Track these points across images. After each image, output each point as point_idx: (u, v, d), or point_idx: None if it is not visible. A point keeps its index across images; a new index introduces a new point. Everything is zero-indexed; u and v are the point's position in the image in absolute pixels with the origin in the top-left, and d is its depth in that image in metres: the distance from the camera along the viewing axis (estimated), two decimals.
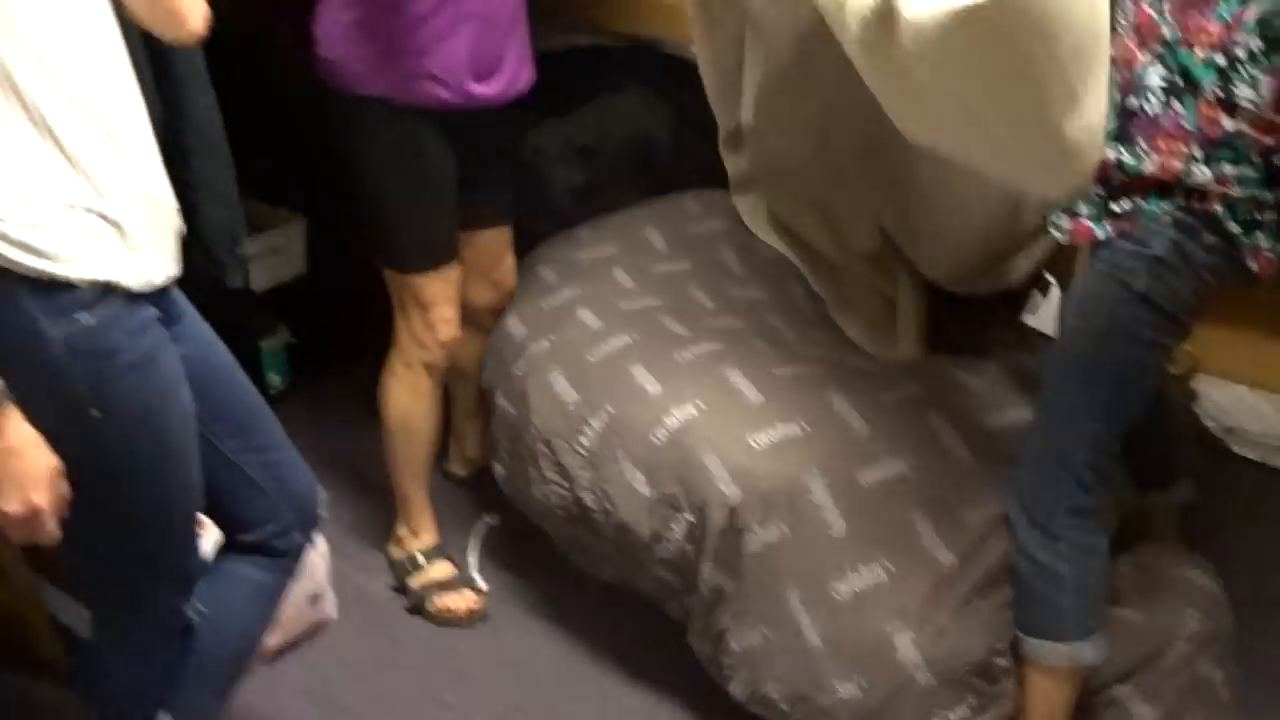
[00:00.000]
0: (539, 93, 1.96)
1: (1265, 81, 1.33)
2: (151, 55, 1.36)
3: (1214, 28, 1.33)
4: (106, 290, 1.13)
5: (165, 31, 1.25)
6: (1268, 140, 1.37)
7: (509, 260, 2.15)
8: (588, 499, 1.82)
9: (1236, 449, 2.46)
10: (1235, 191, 1.39)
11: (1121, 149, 1.44)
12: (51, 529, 1.13)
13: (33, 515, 1.10)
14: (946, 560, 1.58)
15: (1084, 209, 1.50)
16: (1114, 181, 1.46)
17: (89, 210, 1.10)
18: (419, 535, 2.12)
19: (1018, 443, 1.68)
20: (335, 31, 1.74)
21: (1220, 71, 1.34)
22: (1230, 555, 1.96)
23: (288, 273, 2.55)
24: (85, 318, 1.11)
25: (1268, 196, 1.41)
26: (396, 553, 2.13)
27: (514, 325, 2.07)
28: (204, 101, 1.47)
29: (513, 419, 1.98)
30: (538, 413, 1.90)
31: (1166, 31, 1.37)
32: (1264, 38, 1.31)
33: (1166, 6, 1.38)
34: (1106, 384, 1.52)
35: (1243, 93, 1.34)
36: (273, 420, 1.45)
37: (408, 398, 2.00)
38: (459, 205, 1.91)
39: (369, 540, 2.21)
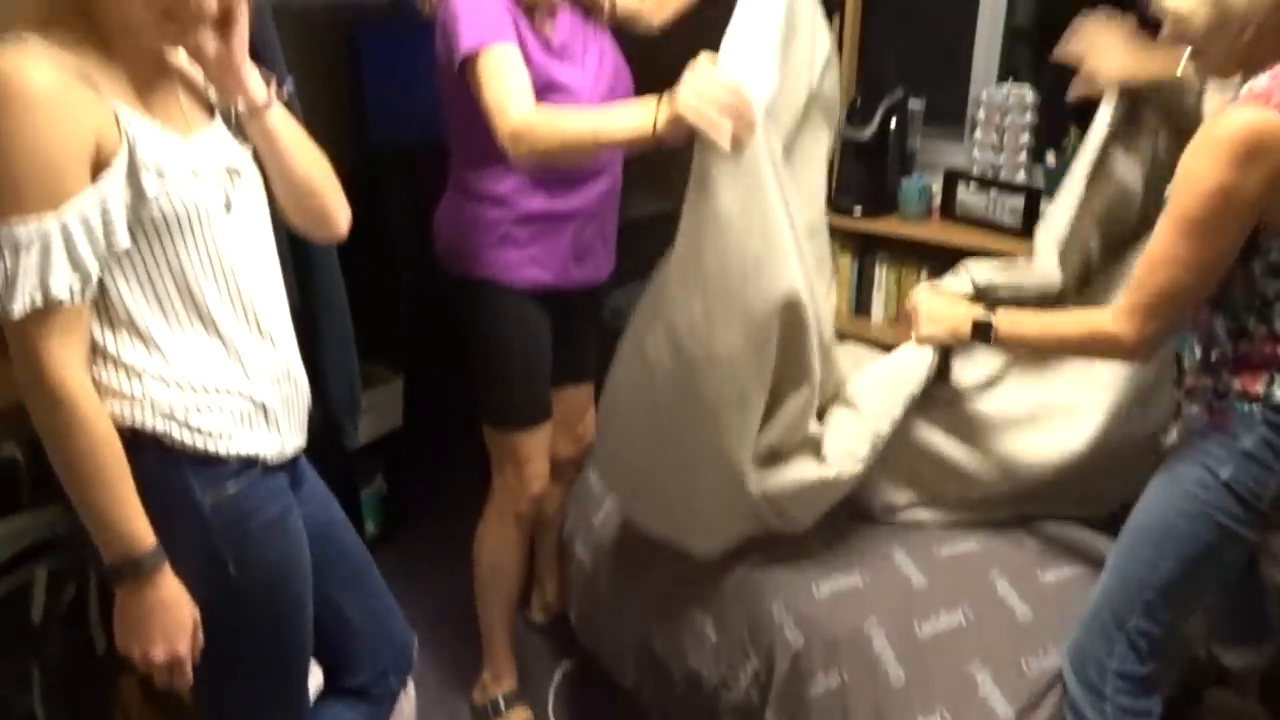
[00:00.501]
0: (621, 258, 2.18)
1: None
2: (291, 244, 1.57)
3: (1240, 289, 1.47)
4: (250, 462, 1.31)
5: (313, 232, 1.47)
6: None
7: (590, 415, 2.32)
8: (658, 646, 1.93)
9: None
10: None
11: (1216, 373, 1.53)
12: (189, 675, 1.28)
13: (176, 662, 1.26)
14: (1004, 712, 1.64)
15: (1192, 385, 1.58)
16: (1207, 395, 1.54)
17: (241, 394, 1.30)
18: (501, 681, 2.24)
19: (1076, 599, 1.74)
20: (453, 223, 1.98)
21: (1258, 315, 1.47)
22: None
23: (386, 427, 2.75)
24: (231, 486, 1.29)
25: None
26: (480, 698, 2.25)
27: (595, 479, 2.23)
28: (335, 287, 1.69)
29: (590, 568, 2.11)
30: (615, 563, 2.03)
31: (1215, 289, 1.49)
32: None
33: None
34: (1173, 561, 1.54)
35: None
36: (375, 571, 1.62)
37: (499, 546, 2.15)
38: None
39: (453, 685, 2.32)
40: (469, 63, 1.73)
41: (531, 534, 2.24)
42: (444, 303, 2.04)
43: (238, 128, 1.36)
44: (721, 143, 1.44)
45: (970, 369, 1.99)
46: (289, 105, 1.39)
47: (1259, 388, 1.48)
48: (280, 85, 1.36)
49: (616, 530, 2.09)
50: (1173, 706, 1.69)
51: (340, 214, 1.45)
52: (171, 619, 1.24)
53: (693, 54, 1.54)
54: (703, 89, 1.46)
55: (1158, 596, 1.56)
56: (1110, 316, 1.53)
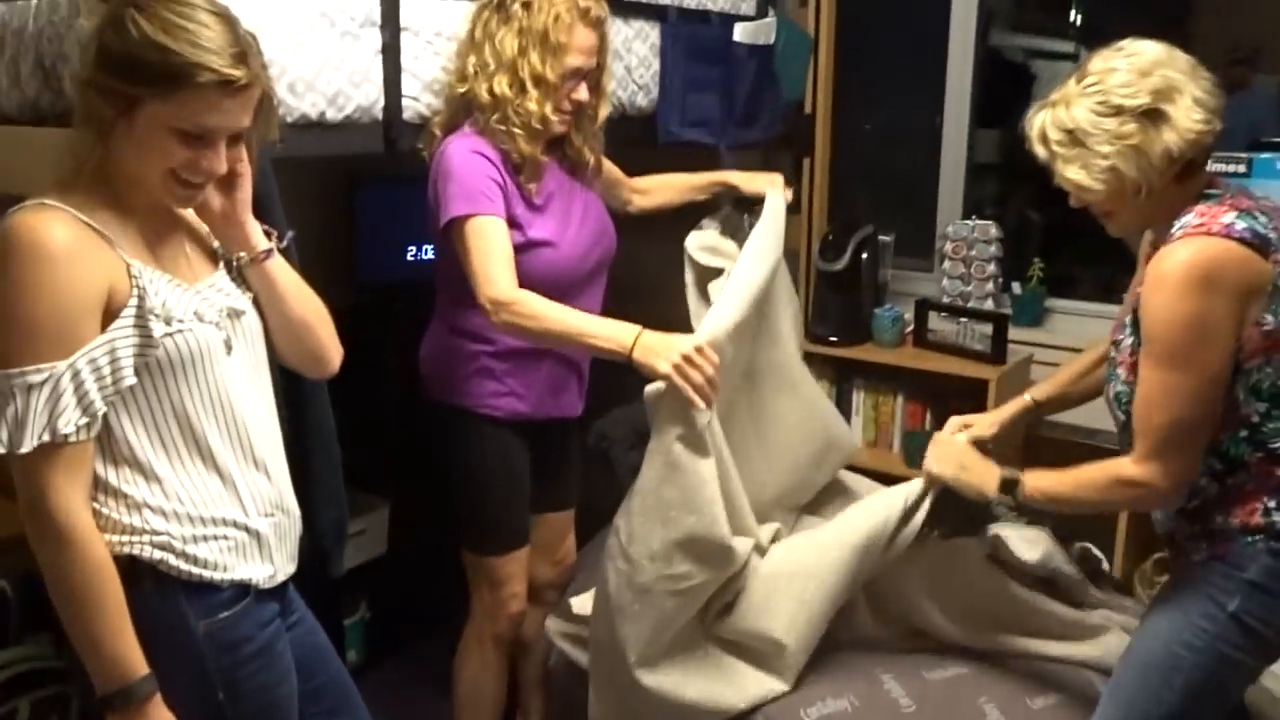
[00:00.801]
0: (605, 385, 2.24)
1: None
2: (285, 379, 1.64)
3: (1225, 418, 1.51)
4: (244, 590, 1.35)
5: (308, 369, 1.55)
6: None
7: (570, 540, 2.36)
8: None
9: None
10: None
11: (1207, 520, 1.56)
12: None
13: None
14: None
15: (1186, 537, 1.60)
16: (1210, 527, 1.57)
17: (237, 525, 1.35)
18: None
19: None
20: (435, 353, 2.06)
21: (1249, 441, 1.52)
22: None
23: (371, 553, 2.77)
24: (225, 613, 1.33)
25: None
26: None
27: (581, 606, 2.25)
28: (326, 421, 1.76)
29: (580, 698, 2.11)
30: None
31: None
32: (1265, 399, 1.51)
33: None
34: (1179, 693, 1.55)
35: (1277, 445, 1.51)
36: (359, 699, 1.63)
37: (478, 669, 2.17)
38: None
39: None
40: (455, 226, 1.85)
41: (512, 659, 2.24)
42: (428, 431, 2.11)
43: (238, 273, 1.44)
44: (695, 403, 1.69)
45: None
46: (286, 252, 1.49)
47: (1257, 519, 1.52)
48: (280, 237, 1.46)
49: None
50: None
51: (333, 352, 1.53)
52: None
53: None
54: (687, 354, 1.69)
55: None
56: (1131, 466, 1.52)
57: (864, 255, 3.05)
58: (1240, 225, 1.45)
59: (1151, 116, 1.46)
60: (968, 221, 3.08)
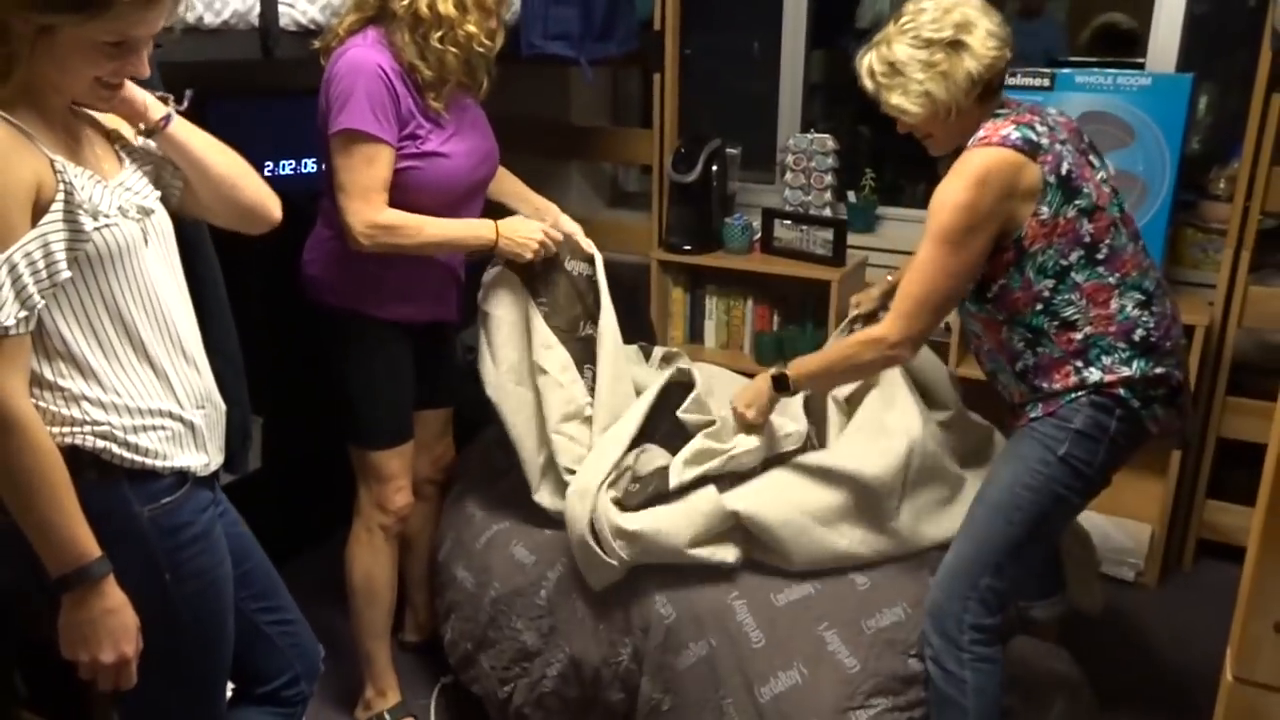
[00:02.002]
0: (472, 299, 2.34)
1: (1079, 296, 1.79)
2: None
3: (1022, 295, 1.81)
4: (183, 477, 1.41)
5: (249, 225, 1.58)
6: (1110, 329, 1.79)
7: (449, 438, 2.49)
8: (539, 644, 2.10)
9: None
10: (1134, 375, 1.77)
11: (1036, 387, 1.84)
12: (134, 677, 1.36)
13: (123, 664, 1.34)
14: (850, 663, 1.90)
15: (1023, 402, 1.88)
16: (1039, 391, 1.84)
17: (172, 415, 1.40)
18: (385, 695, 2.34)
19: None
20: (322, 257, 2.11)
21: (1045, 313, 1.80)
22: (1091, 650, 2.32)
23: (246, 470, 2.78)
24: (166, 499, 1.38)
25: (1148, 374, 1.78)
26: (364, 715, 2.33)
27: (473, 507, 2.37)
28: (226, 323, 1.79)
29: (472, 587, 2.25)
30: (500, 578, 2.19)
31: (1000, 314, 1.84)
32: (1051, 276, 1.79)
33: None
34: (1019, 526, 1.82)
35: (1068, 314, 1.79)
36: (284, 587, 1.72)
37: (370, 560, 2.27)
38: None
39: (334, 707, 2.39)
40: (343, 137, 1.91)
41: (398, 554, 2.35)
42: (300, 348, 2.18)
43: (145, 162, 1.47)
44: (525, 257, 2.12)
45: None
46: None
47: (1072, 379, 1.80)
48: (179, 100, 1.49)
49: (500, 552, 2.24)
50: None
51: (269, 199, 1.57)
52: (118, 623, 1.32)
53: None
54: (521, 230, 2.10)
55: (1005, 558, 1.84)
56: (879, 327, 1.84)
57: (714, 167, 3.23)
58: (1015, 135, 1.74)
59: (955, 46, 1.76)
60: (806, 135, 3.30)
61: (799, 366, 2.00)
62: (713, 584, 2.00)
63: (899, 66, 1.79)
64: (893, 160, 3.55)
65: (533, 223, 2.15)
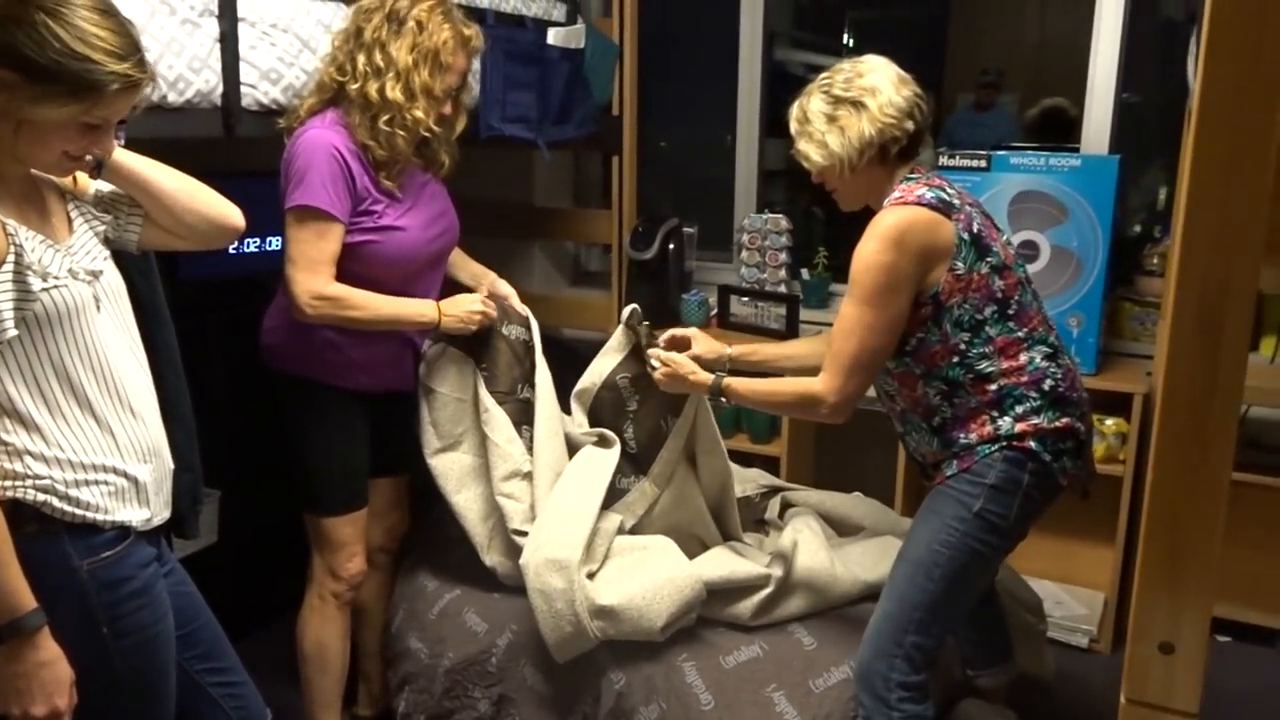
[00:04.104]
0: None
1: (992, 350, 1.86)
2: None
3: (940, 349, 1.86)
4: (124, 532, 1.43)
5: (214, 239, 1.62)
6: (1022, 379, 1.85)
7: (404, 507, 2.50)
8: (493, 712, 2.09)
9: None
10: (1044, 424, 1.83)
11: (951, 440, 1.89)
12: None
13: (55, 717, 1.34)
14: None
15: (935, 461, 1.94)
16: (954, 447, 1.89)
17: (115, 471, 1.42)
18: None
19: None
20: (282, 325, 2.15)
21: (961, 366, 1.86)
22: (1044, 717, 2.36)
23: (203, 543, 2.78)
24: (106, 553, 1.40)
25: (1057, 423, 1.85)
26: None
27: (426, 578, 2.38)
28: (179, 387, 1.83)
29: (425, 657, 2.25)
30: (454, 647, 2.19)
31: (918, 368, 1.88)
32: (966, 330, 1.85)
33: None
34: (939, 582, 1.85)
35: (982, 367, 1.85)
36: (231, 649, 1.72)
37: (321, 627, 2.27)
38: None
39: None
40: (296, 212, 2.00)
41: (350, 624, 2.35)
42: (260, 423, 2.22)
43: (95, 235, 1.51)
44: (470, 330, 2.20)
45: None
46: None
47: (988, 429, 1.86)
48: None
49: (453, 621, 2.25)
50: (936, 717, 2.00)
51: (227, 209, 1.62)
52: (51, 676, 1.33)
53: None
54: (462, 306, 2.18)
55: (928, 614, 1.87)
56: (816, 383, 1.87)
57: (671, 245, 3.32)
58: (929, 195, 1.83)
59: (856, 106, 1.86)
60: (761, 215, 3.41)
61: (739, 385, 2.01)
62: (663, 646, 2.02)
63: (810, 116, 1.90)
64: (845, 240, 3.65)
65: (471, 296, 2.23)
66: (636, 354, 2.28)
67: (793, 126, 1.94)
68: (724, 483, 2.29)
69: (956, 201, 1.85)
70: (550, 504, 2.16)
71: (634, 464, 2.26)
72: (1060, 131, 3.46)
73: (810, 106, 1.90)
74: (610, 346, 2.33)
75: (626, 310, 2.30)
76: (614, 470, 2.22)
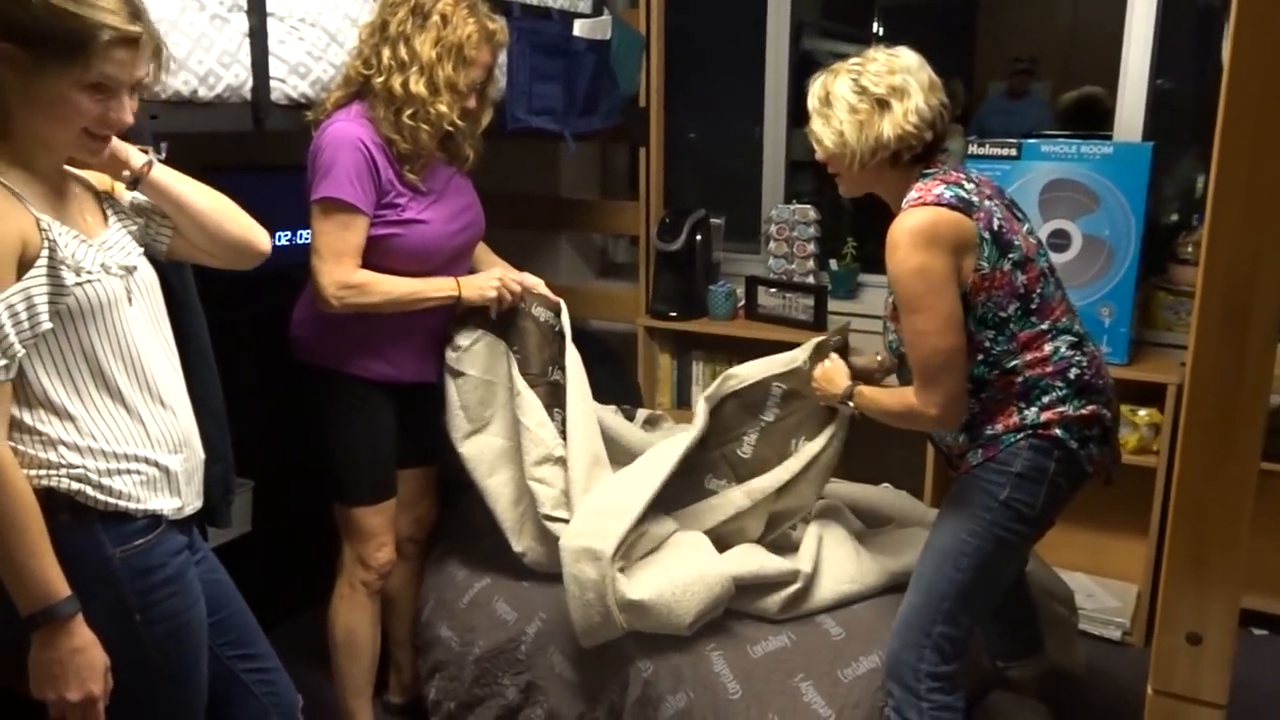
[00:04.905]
0: None
1: (1016, 345, 1.84)
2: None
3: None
4: (156, 520, 1.46)
5: (240, 260, 1.65)
6: (1048, 369, 1.83)
7: (431, 497, 2.52)
8: (521, 700, 2.11)
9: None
10: (1070, 412, 1.82)
11: (978, 434, 1.86)
12: (101, 713, 1.39)
13: (89, 703, 1.37)
14: (825, 713, 1.91)
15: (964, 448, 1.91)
16: (980, 437, 1.87)
17: (146, 460, 1.45)
18: None
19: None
20: (310, 318, 2.17)
21: (986, 364, 1.83)
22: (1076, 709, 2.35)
23: (236, 532, 2.82)
24: (138, 541, 1.43)
25: (1083, 411, 1.84)
26: None
27: (455, 567, 2.41)
28: (210, 378, 1.85)
29: (456, 645, 2.27)
30: (483, 635, 2.21)
31: None
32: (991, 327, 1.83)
33: None
34: (967, 572, 1.84)
35: (1007, 363, 1.83)
36: (263, 636, 1.75)
37: (351, 615, 2.30)
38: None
39: None
40: (321, 205, 2.02)
41: (380, 613, 2.37)
42: (293, 413, 2.25)
43: (131, 221, 1.55)
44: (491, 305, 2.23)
45: None
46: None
47: (1014, 419, 1.84)
48: (156, 149, 1.58)
49: (482, 609, 2.28)
50: (966, 709, 1.99)
51: (256, 233, 1.65)
52: (85, 663, 1.36)
53: None
54: (478, 279, 2.21)
55: (956, 604, 1.86)
56: (912, 396, 1.83)
57: (698, 237, 3.32)
58: (948, 194, 1.79)
59: (881, 105, 1.82)
60: (788, 206, 3.40)
61: (870, 395, 1.99)
62: (691, 635, 2.02)
63: (832, 99, 1.86)
64: (874, 230, 3.63)
65: (488, 273, 2.26)
66: (801, 375, 2.22)
67: (811, 103, 1.90)
68: (800, 507, 2.25)
69: (976, 199, 1.82)
70: (607, 487, 2.15)
71: (733, 469, 2.24)
72: (1094, 121, 3.42)
73: (835, 89, 1.86)
74: (784, 357, 2.26)
75: (835, 332, 2.24)
76: (706, 471, 2.21)
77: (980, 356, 1.85)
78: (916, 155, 1.86)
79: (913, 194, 1.83)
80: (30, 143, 1.37)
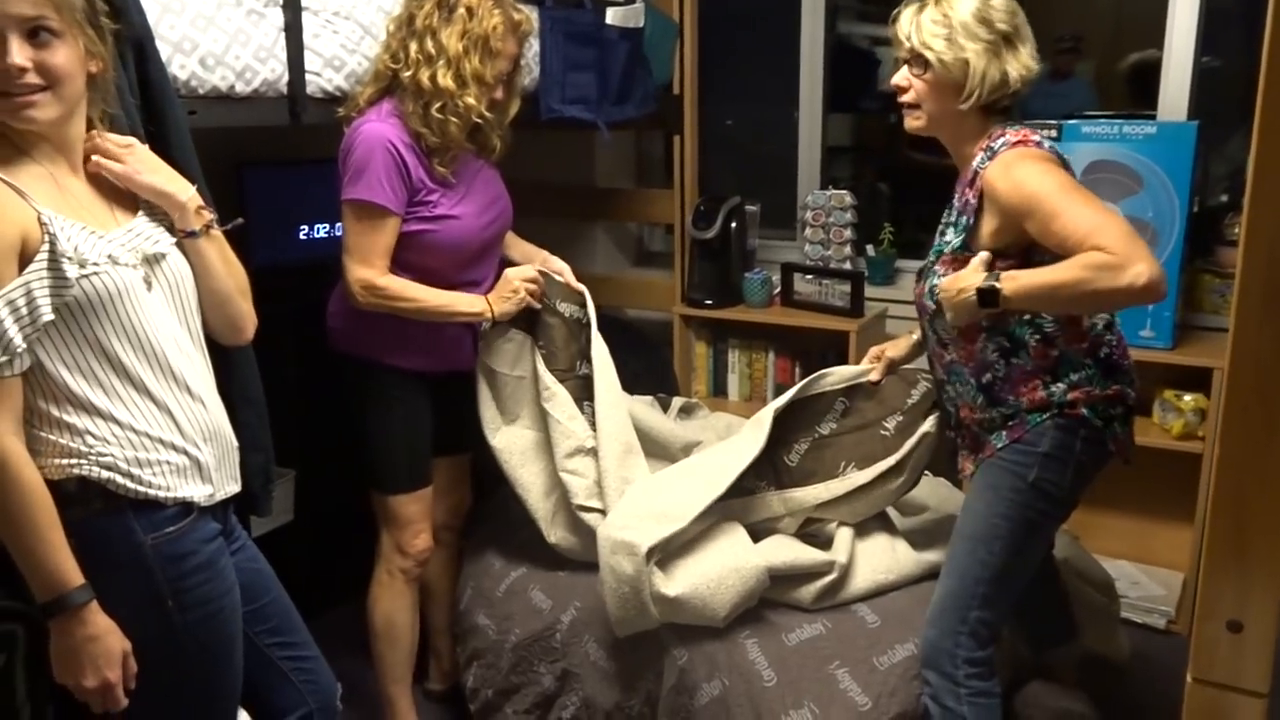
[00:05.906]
0: None
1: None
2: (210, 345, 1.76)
3: None
4: (187, 507, 1.48)
5: (223, 337, 1.66)
6: (1083, 345, 1.81)
7: (466, 484, 2.55)
8: (557, 688, 2.12)
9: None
10: (1096, 391, 1.80)
11: (999, 407, 1.85)
12: (120, 698, 1.41)
13: (107, 689, 1.40)
14: (862, 701, 1.90)
15: (984, 433, 1.89)
16: (1004, 412, 1.85)
17: (175, 448, 1.47)
18: None
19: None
20: (345, 310, 2.20)
21: (1029, 325, 1.81)
22: (1120, 698, 2.32)
23: (278, 521, 2.86)
24: (170, 528, 1.45)
25: (1108, 390, 1.82)
26: None
27: (493, 556, 2.43)
28: (249, 369, 1.87)
29: (493, 633, 2.29)
30: (520, 623, 2.23)
31: (985, 320, 1.81)
32: None
33: None
34: (1000, 555, 1.83)
35: (1048, 329, 1.80)
36: (302, 624, 1.77)
37: (390, 602, 2.33)
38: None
39: None
40: (350, 205, 2.05)
41: (419, 600, 2.40)
42: (332, 403, 2.28)
43: (159, 222, 1.54)
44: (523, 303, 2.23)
45: None
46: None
47: (1039, 394, 1.81)
48: (211, 218, 1.58)
49: (519, 598, 2.29)
50: (1004, 697, 1.98)
51: (249, 322, 1.67)
52: (100, 650, 1.38)
53: None
54: (508, 285, 2.20)
55: (990, 588, 1.85)
56: (1106, 255, 1.57)
57: (733, 224, 3.30)
58: (1047, 144, 1.79)
59: (1008, 41, 1.78)
60: (825, 192, 3.37)
61: (1015, 280, 1.70)
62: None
63: (957, 24, 1.77)
64: (910, 215, 3.60)
65: (516, 269, 2.25)
66: (869, 393, 2.21)
67: (920, 24, 1.80)
68: (833, 520, 2.23)
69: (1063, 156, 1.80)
70: (661, 488, 2.15)
71: (775, 473, 2.23)
72: (1154, 89, 3.33)
73: (964, 15, 1.76)
74: (853, 370, 2.27)
75: (925, 386, 2.15)
76: (745, 469, 2.16)
77: (1026, 316, 1.82)
78: (1003, 109, 1.82)
79: (1009, 137, 1.78)
80: (28, 138, 1.38)
